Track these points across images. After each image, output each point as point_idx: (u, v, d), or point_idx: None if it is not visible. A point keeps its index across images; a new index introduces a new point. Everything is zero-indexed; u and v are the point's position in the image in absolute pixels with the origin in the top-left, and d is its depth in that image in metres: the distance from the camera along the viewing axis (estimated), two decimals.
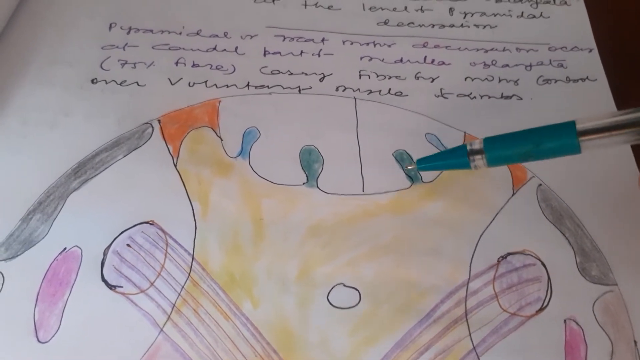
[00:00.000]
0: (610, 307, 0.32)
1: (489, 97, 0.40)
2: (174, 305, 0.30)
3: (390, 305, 0.31)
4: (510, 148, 0.30)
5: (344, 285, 0.31)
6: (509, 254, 0.33)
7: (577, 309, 0.32)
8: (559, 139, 0.28)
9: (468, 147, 0.31)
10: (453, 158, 0.32)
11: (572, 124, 0.28)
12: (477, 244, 0.33)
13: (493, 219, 0.34)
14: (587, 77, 0.41)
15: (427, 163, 0.33)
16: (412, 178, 0.35)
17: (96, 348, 0.29)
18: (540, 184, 0.36)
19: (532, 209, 0.35)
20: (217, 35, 0.42)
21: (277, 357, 0.29)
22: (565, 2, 0.45)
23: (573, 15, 0.45)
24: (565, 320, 0.31)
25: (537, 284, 0.32)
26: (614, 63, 0.42)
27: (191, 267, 0.32)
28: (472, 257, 0.33)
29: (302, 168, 0.36)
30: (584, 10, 0.45)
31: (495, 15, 0.44)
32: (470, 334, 0.31)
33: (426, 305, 0.31)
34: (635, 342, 0.31)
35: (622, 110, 0.28)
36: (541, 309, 0.31)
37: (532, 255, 0.33)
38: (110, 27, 0.41)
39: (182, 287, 0.31)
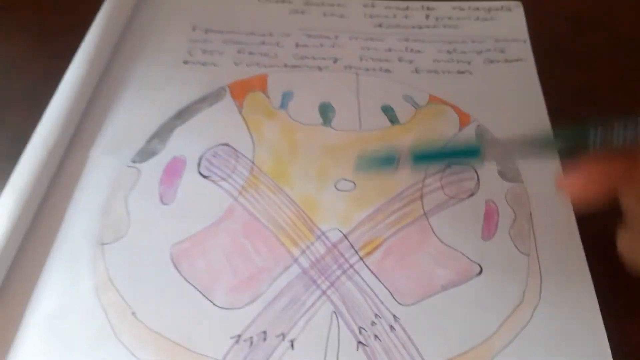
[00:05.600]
0: (516, 194, 0.45)
1: (449, 73, 0.54)
2: (242, 186, 0.48)
3: (373, 191, 0.48)
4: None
5: (345, 180, 0.48)
6: None
7: (495, 195, 0.45)
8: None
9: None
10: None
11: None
12: None
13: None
14: (520, 59, 0.55)
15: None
16: (392, 120, 0.53)
17: (196, 210, 0.46)
18: (479, 125, 0.53)
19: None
20: (264, 34, 0.58)
21: (305, 215, 0.46)
22: (509, 9, 0.60)
23: (514, 17, 0.59)
24: (486, 201, 0.45)
25: (470, 181, 0.48)
26: (540, 49, 0.55)
27: (252, 167, 0.49)
28: None
29: (321, 115, 0.51)
30: (522, 14, 0.59)
31: (458, 19, 0.60)
32: (423, 206, 0.47)
33: (397, 190, 0.48)
34: (530, 213, 0.44)
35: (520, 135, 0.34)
36: (471, 195, 0.45)
37: None
38: (193, 29, 0.58)
39: (246, 177, 0.49)
